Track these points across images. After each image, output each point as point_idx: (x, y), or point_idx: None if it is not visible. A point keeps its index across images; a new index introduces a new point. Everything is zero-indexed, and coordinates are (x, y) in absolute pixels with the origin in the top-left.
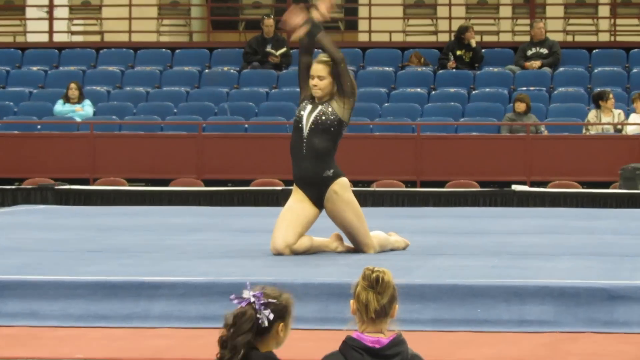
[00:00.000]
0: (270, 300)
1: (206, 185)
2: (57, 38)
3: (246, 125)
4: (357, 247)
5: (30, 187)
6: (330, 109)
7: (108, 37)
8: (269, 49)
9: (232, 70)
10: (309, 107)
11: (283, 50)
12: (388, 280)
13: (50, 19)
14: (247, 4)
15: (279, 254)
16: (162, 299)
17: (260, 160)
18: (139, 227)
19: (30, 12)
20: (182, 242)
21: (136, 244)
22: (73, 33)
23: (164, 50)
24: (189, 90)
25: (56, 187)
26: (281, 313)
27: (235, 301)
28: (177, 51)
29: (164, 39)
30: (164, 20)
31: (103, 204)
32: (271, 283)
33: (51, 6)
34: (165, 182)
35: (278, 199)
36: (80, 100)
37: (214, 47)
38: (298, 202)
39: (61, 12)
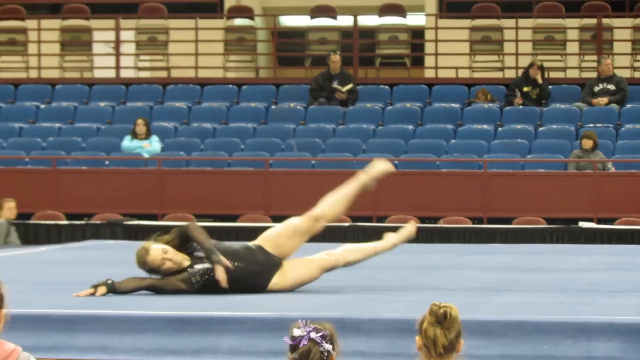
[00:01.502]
0: (324, 332)
1: (274, 220)
2: (124, 74)
3: (313, 161)
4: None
5: (99, 222)
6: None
7: (175, 73)
8: (335, 85)
9: (298, 107)
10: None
11: (349, 86)
12: (455, 315)
13: (117, 55)
14: (313, 40)
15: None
16: (231, 334)
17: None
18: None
19: (97, 48)
20: None
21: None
22: (140, 69)
23: (230, 86)
24: (256, 126)
25: (125, 223)
26: (333, 342)
27: (293, 341)
28: (244, 87)
29: (231, 75)
30: (230, 56)
31: None
32: (339, 319)
33: (118, 42)
34: (233, 218)
35: (346, 235)
36: (147, 136)
37: (281, 83)
38: None
39: (128, 48)
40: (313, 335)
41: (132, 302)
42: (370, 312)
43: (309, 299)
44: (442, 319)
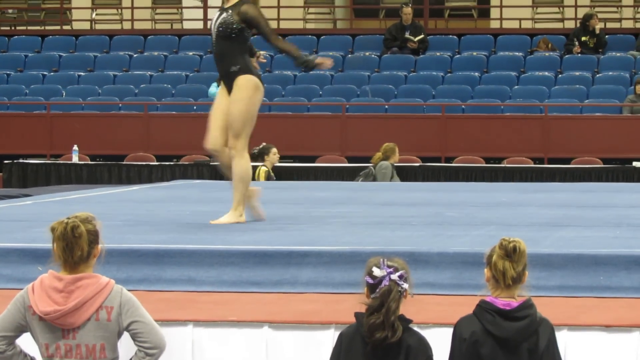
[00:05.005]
0: (402, 272)
1: (349, 161)
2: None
3: (386, 106)
4: (228, 141)
5: (187, 163)
6: (232, 19)
7: None
8: (407, 35)
9: (373, 55)
10: (217, 14)
11: (421, 36)
12: (523, 249)
13: (205, 7)
14: None
15: (215, 152)
16: (309, 267)
17: (399, 138)
18: (285, 200)
19: (186, 1)
20: (327, 214)
21: (285, 216)
22: None
23: (310, 36)
24: (333, 73)
25: (211, 163)
26: (408, 279)
27: (374, 281)
28: (322, 37)
29: (310, 26)
30: (310, 8)
31: (253, 180)
32: (410, 252)
33: None
34: (312, 159)
35: (416, 174)
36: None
37: (357, 34)
38: (220, 97)
39: (216, 1)
40: (394, 276)
41: (216, 237)
42: (439, 246)
43: (382, 234)
44: (511, 252)
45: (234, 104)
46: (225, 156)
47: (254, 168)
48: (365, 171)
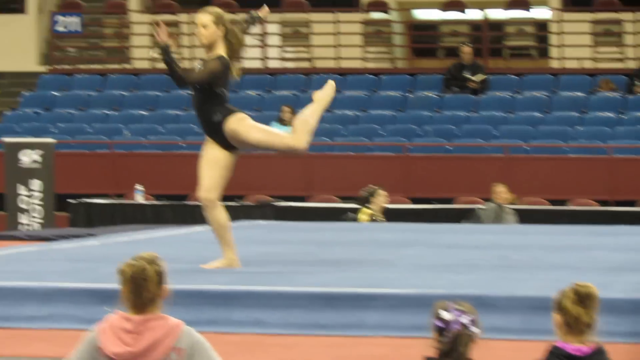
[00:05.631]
0: (472, 316)
1: (413, 202)
2: (271, 64)
3: (448, 147)
4: (287, 154)
5: (251, 204)
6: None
7: (317, 64)
8: (467, 74)
9: (433, 95)
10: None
11: (483, 77)
12: (596, 295)
13: (264, 46)
14: (446, 33)
15: (204, 202)
16: (376, 310)
17: (462, 179)
18: (350, 242)
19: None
20: (393, 256)
21: (350, 258)
22: (285, 60)
23: (369, 76)
24: (394, 113)
25: (275, 204)
26: (477, 324)
27: (443, 325)
28: (382, 77)
29: (370, 65)
30: (369, 47)
31: (317, 220)
32: (477, 296)
33: (264, 34)
34: None
35: (479, 216)
36: (292, 122)
37: (416, 73)
38: (209, 149)
39: (274, 40)
40: (464, 320)
41: (283, 279)
42: (507, 290)
43: (448, 277)
44: (584, 298)
45: (250, 135)
46: (217, 209)
47: (357, 210)
48: (474, 213)
